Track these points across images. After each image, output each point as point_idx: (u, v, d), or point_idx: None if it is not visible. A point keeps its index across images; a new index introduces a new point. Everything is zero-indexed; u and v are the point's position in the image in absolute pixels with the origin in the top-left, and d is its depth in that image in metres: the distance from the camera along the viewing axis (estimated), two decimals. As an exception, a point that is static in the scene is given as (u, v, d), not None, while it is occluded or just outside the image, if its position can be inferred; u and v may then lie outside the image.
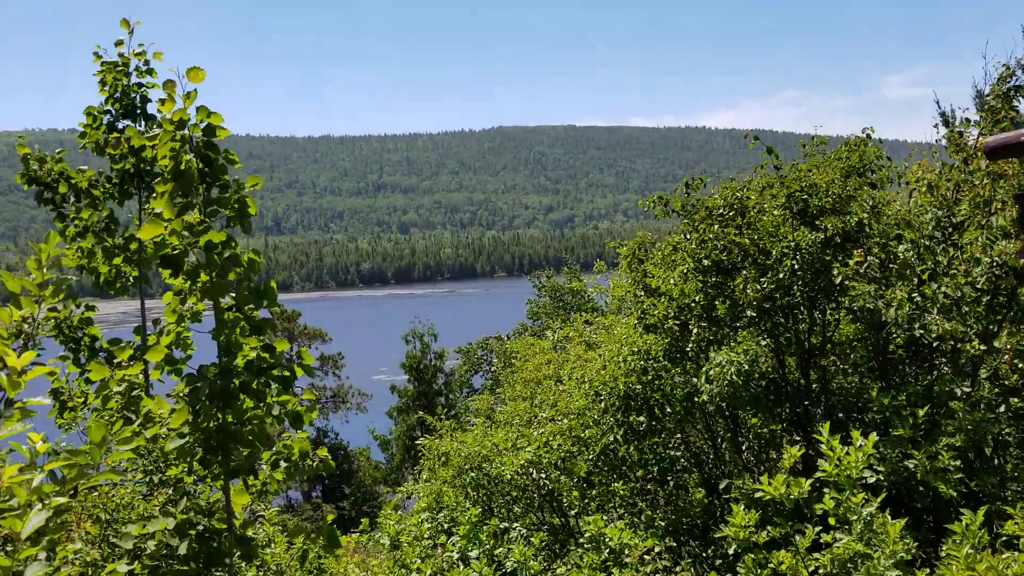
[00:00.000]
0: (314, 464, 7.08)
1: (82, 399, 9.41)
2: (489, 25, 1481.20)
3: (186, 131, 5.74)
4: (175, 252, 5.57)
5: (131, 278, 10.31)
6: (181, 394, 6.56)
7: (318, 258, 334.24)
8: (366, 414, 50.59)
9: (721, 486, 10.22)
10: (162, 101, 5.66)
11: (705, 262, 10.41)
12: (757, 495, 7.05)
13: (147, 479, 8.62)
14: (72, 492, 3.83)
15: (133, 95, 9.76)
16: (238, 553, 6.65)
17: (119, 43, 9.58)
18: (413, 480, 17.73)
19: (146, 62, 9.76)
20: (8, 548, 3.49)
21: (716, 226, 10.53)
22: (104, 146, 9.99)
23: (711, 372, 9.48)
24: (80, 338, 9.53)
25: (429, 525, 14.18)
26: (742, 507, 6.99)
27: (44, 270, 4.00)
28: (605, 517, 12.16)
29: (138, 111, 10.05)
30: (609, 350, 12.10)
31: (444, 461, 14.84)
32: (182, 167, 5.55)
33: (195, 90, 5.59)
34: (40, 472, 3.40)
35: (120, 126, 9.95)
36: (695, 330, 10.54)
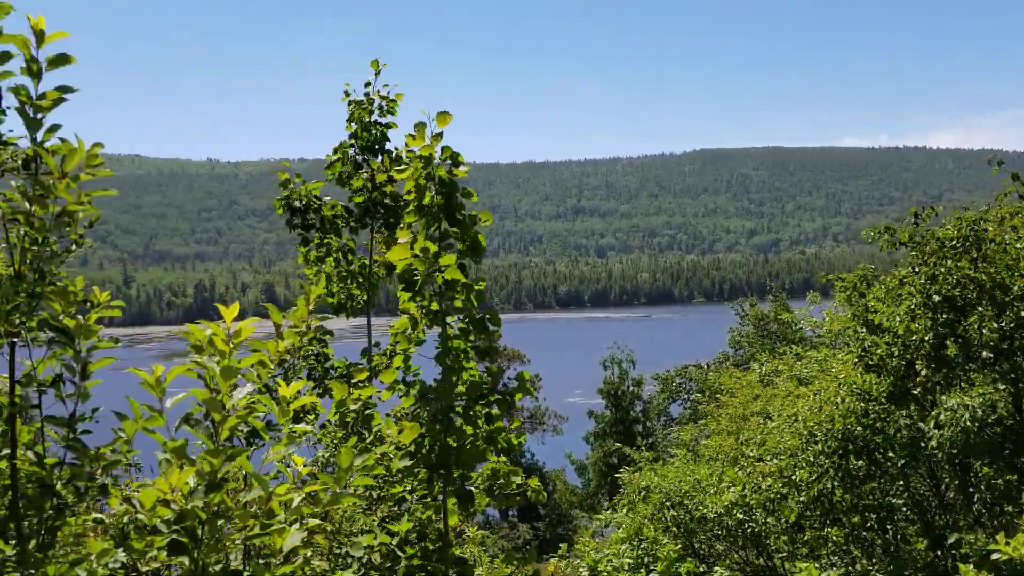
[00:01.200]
0: (527, 492, 7.24)
1: (313, 414, 10.13)
2: (692, 48, 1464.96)
3: (431, 168, 6.11)
4: (416, 275, 5.94)
5: (360, 301, 11.03)
6: (411, 413, 6.95)
7: (517, 280, 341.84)
8: (562, 436, 51.03)
9: (949, 541, 9.48)
10: (412, 137, 6.05)
11: (935, 298, 9.75)
12: (993, 555, 6.48)
13: (367, 494, 9.13)
14: (324, 514, 4.14)
15: (375, 132, 10.53)
16: (455, 571, 6.92)
17: (368, 84, 10.41)
18: (611, 509, 17.66)
19: (389, 102, 10.52)
20: (263, 562, 3.82)
21: (949, 260, 9.84)
22: (346, 178, 10.80)
23: (942, 417, 8.84)
24: (316, 356, 10.29)
25: (630, 560, 14.09)
26: (971, 567, 6.45)
27: (309, 307, 4.39)
28: (817, 565, 11.58)
29: (377, 147, 10.82)
30: (825, 389, 11.55)
31: (644, 496, 14.71)
32: (425, 200, 5.91)
33: (442, 132, 5.95)
34: (300, 493, 3.70)
35: (360, 160, 10.76)
36: (923, 371, 9.87)
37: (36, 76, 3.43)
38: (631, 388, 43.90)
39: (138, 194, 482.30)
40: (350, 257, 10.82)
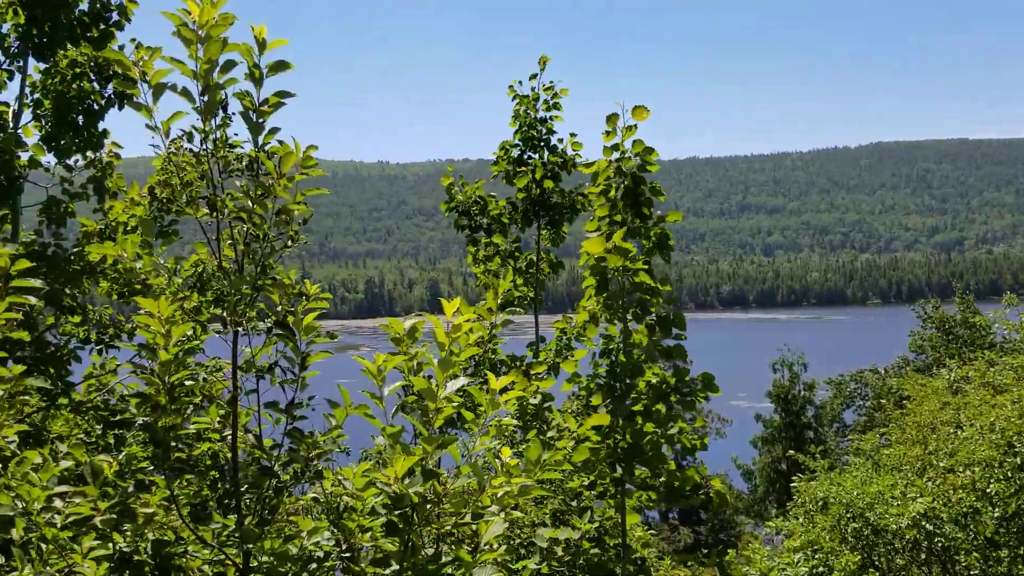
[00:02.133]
0: (708, 495, 7.10)
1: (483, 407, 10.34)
2: (866, 36, 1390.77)
3: (622, 162, 6.09)
4: (608, 272, 5.95)
5: (528, 298, 11.16)
6: (584, 410, 6.98)
7: (678, 279, 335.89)
8: (726, 439, 49.74)
9: None
10: (606, 133, 6.05)
11: None
12: None
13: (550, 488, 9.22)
14: (516, 505, 4.21)
15: (540, 128, 10.59)
16: (632, 569, 6.88)
17: (532, 77, 10.48)
18: (782, 517, 17.04)
19: (554, 96, 10.56)
20: (465, 547, 3.93)
21: None
22: (512, 176, 10.94)
23: None
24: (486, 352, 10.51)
25: (805, 569, 13.54)
26: None
27: (498, 301, 4.49)
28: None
29: (542, 143, 10.88)
30: (1028, 397, 10.67)
31: (822, 506, 14.10)
32: (610, 194, 5.91)
33: (635, 125, 5.92)
34: (508, 485, 3.77)
35: (525, 157, 10.86)
36: None
37: (258, 82, 3.66)
38: (802, 392, 42.20)
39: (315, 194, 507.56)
40: (516, 255, 10.96)
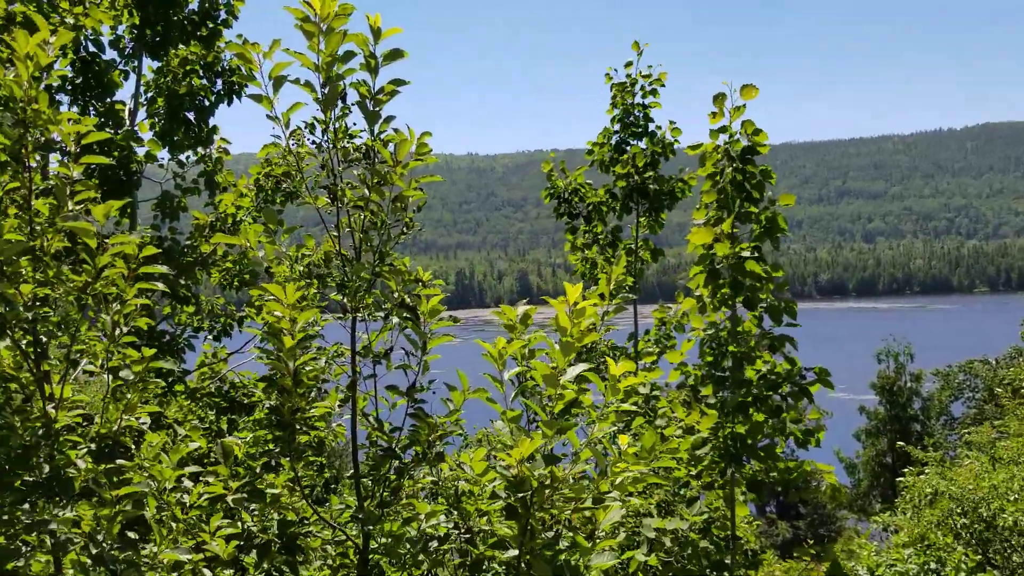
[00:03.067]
0: (822, 488, 6.90)
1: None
2: (973, 12, 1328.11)
3: (730, 144, 5.95)
4: (716, 261, 5.82)
5: (626, 287, 11.05)
6: (692, 399, 6.87)
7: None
8: (825, 432, 48.35)
9: None
10: (713, 114, 5.93)
11: None
12: None
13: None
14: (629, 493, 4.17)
15: (638, 114, 10.45)
16: (741, 564, 6.75)
17: (628, 64, 10.34)
18: (888, 511, 16.47)
19: (652, 82, 10.39)
20: (585, 534, 3.91)
21: None
22: (610, 164, 10.84)
23: None
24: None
25: (915, 566, 13.07)
26: None
27: (610, 288, 4.45)
28: None
29: (640, 130, 10.74)
30: None
31: (931, 501, 13.57)
32: (718, 179, 5.78)
33: (744, 105, 5.78)
34: (624, 473, 3.74)
35: (623, 144, 10.73)
36: None
37: (374, 71, 3.70)
38: (908, 384, 40.67)
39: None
40: (617, 241, 10.86)
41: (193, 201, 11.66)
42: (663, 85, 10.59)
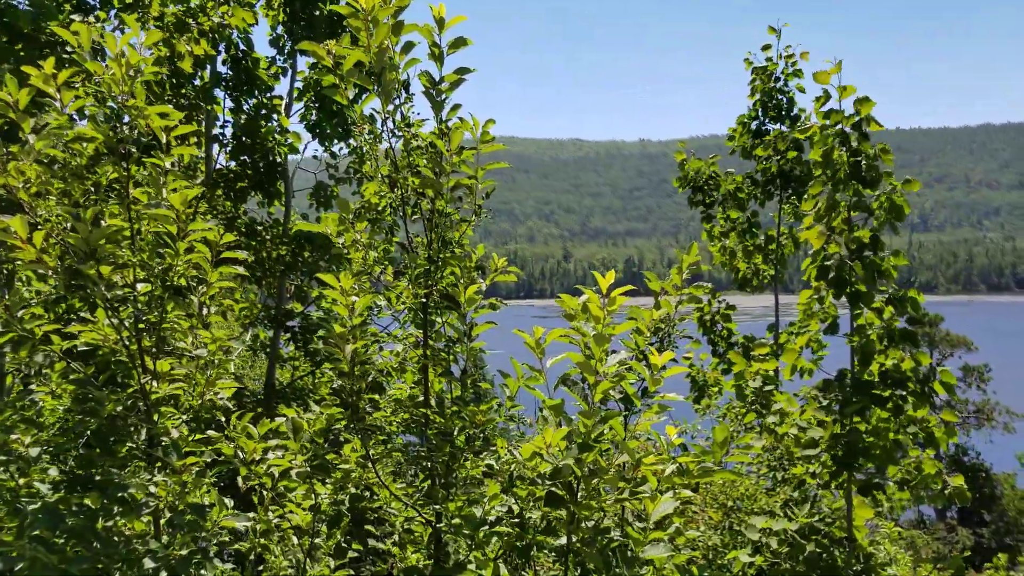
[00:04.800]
0: (945, 491, 6.44)
1: (717, 387, 10.05)
2: None
3: (839, 125, 5.64)
4: (828, 259, 5.55)
5: (768, 276, 10.66)
6: (812, 396, 6.58)
7: (967, 258, 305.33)
8: (1014, 435, 44.70)
9: None
10: (817, 99, 5.65)
11: None
12: None
13: (772, 474, 8.82)
14: (695, 486, 4.06)
15: (779, 97, 10.04)
16: (857, 568, 6.41)
17: (766, 47, 9.94)
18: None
19: (793, 63, 9.95)
20: (638, 526, 3.86)
21: None
22: (751, 149, 10.47)
23: None
24: (719, 331, 10.19)
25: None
26: None
27: (684, 275, 4.34)
28: None
29: (784, 113, 10.31)
30: None
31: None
32: (829, 161, 5.49)
33: (853, 86, 5.47)
34: (673, 463, 3.67)
35: (767, 129, 10.33)
36: None
37: (439, 60, 3.78)
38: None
39: (578, 175, 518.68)
40: (755, 231, 10.47)
41: (348, 191, 12.27)
42: (807, 61, 10.11)
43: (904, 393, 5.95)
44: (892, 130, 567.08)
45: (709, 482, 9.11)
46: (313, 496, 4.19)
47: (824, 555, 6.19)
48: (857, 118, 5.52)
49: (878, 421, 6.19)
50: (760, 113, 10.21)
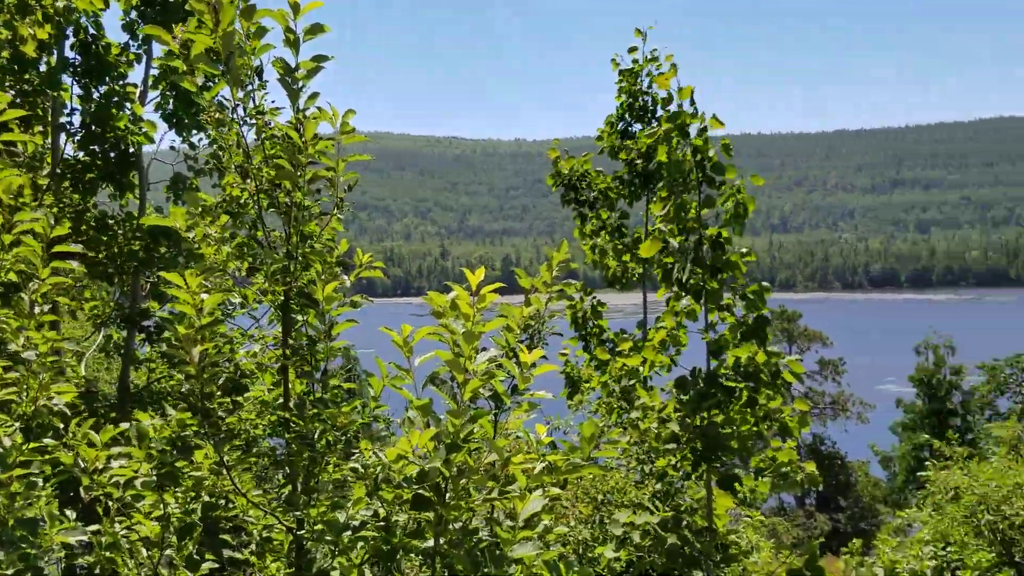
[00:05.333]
0: (798, 477, 6.71)
1: (589, 384, 10.18)
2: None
3: (683, 126, 5.78)
4: (666, 260, 5.66)
5: (636, 274, 10.89)
6: (671, 390, 6.72)
7: (824, 258, 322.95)
8: (867, 425, 47.60)
9: None
10: (662, 99, 5.77)
11: None
12: None
13: (640, 467, 8.99)
14: (564, 483, 4.06)
15: (644, 99, 10.25)
16: (717, 557, 6.59)
17: (632, 50, 10.12)
18: (916, 506, 16.10)
19: (658, 66, 10.16)
20: (507, 525, 3.82)
21: None
22: (618, 150, 10.66)
23: None
24: (591, 328, 10.33)
25: (932, 562, 12.73)
26: None
27: (554, 272, 4.33)
28: None
29: (648, 114, 10.53)
30: None
31: (953, 496, 13.18)
32: (670, 163, 5.62)
33: (690, 86, 5.61)
34: (542, 460, 3.64)
35: (633, 130, 10.54)
36: None
37: (294, 47, 3.62)
38: (948, 376, 39.71)
39: (455, 173, 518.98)
40: (624, 230, 10.67)
41: (206, 184, 11.77)
42: (670, 63, 10.33)
43: (757, 385, 6.16)
44: (754, 135, 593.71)
45: (580, 477, 9.21)
46: (162, 506, 3.95)
47: (685, 546, 6.34)
48: (702, 122, 5.68)
49: (734, 413, 6.40)
50: (627, 114, 10.38)
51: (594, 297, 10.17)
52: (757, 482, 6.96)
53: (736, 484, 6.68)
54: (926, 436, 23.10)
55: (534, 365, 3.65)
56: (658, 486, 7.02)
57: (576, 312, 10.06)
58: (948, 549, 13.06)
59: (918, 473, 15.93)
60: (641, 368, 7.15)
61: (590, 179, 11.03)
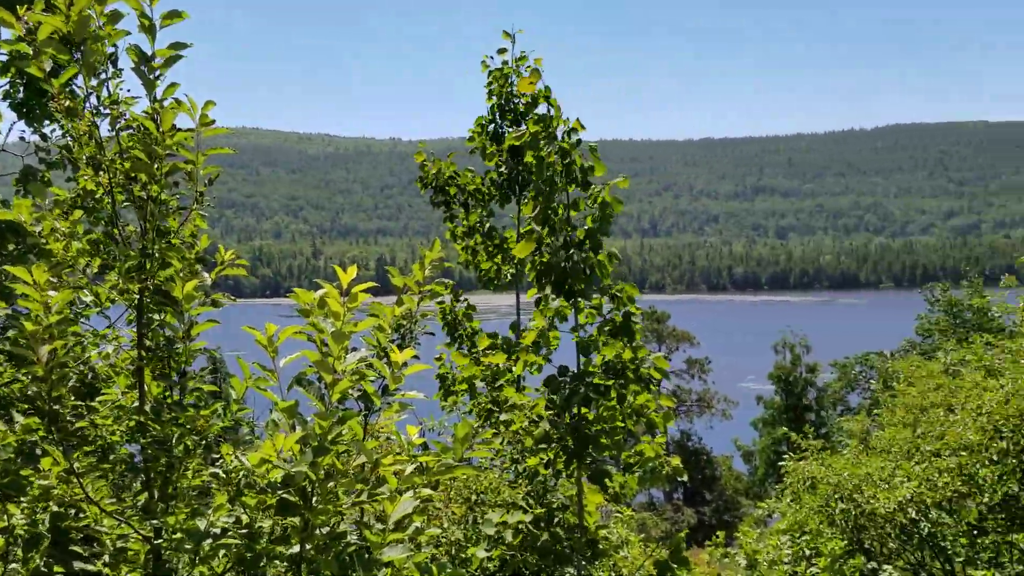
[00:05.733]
0: (665, 471, 6.92)
1: (464, 385, 10.17)
2: (885, 16, 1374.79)
3: (551, 131, 5.87)
4: (543, 263, 5.74)
5: (508, 275, 10.95)
6: (539, 388, 6.81)
7: (691, 261, 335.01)
8: (731, 421, 49.68)
9: None
10: (526, 105, 5.86)
11: None
12: None
13: (513, 467, 9.03)
14: (436, 484, 4.03)
15: (516, 100, 10.30)
16: (588, 553, 6.72)
17: (502, 51, 10.14)
18: (776, 497, 16.89)
19: (528, 68, 10.23)
20: (377, 527, 3.77)
21: None
22: (489, 152, 10.69)
23: None
24: (464, 329, 10.32)
25: (789, 550, 13.38)
26: None
27: (427, 271, 4.29)
28: (999, 573, 10.56)
29: (520, 116, 10.59)
30: (1015, 381, 10.42)
31: (810, 486, 13.90)
32: (538, 165, 5.70)
33: (547, 86, 5.73)
34: (413, 462, 3.60)
35: (503, 132, 10.57)
36: None
37: (150, 33, 3.46)
38: (803, 374, 41.94)
39: (328, 171, 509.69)
40: (494, 232, 10.72)
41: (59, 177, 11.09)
42: (540, 66, 10.45)
43: (624, 382, 6.32)
44: (625, 141, 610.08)
45: (453, 478, 9.18)
46: (6, 517, 3.69)
47: (557, 544, 6.43)
48: (567, 125, 5.81)
49: (604, 411, 6.54)
50: (497, 116, 10.40)
51: (465, 299, 10.17)
52: (626, 477, 7.14)
53: (607, 480, 6.83)
54: (784, 430, 24.26)
55: (405, 365, 3.62)
56: (530, 486, 7.09)
57: (447, 314, 10.03)
58: (804, 538, 13.73)
59: (778, 464, 16.70)
60: (513, 368, 7.21)
61: (459, 180, 11.02)
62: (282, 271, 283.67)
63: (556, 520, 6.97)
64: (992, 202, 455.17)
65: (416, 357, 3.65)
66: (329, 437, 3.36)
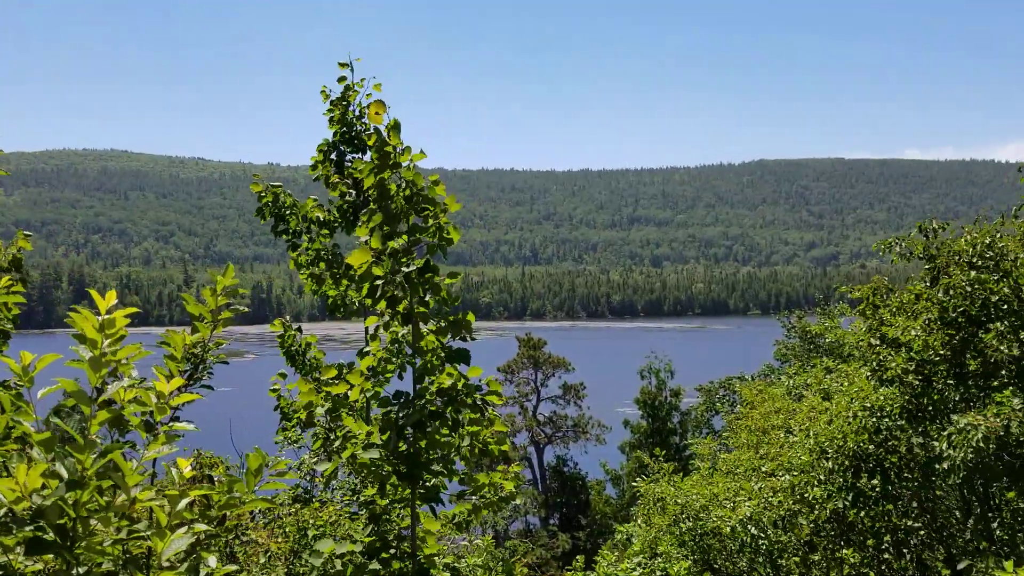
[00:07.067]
0: (493, 499, 6.97)
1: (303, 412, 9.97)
2: (750, 57, 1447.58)
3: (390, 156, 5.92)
4: (375, 278, 5.77)
5: (356, 302, 10.85)
6: (376, 417, 6.75)
7: (571, 288, 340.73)
8: (605, 446, 50.48)
9: (960, 566, 8.93)
10: (368, 135, 5.88)
11: (952, 313, 9.22)
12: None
13: (355, 497, 8.89)
14: (221, 519, 3.91)
15: (358, 128, 10.27)
16: (419, 583, 6.66)
17: (341, 79, 10.08)
18: (632, 520, 17.27)
19: (368, 95, 10.23)
20: (149, 565, 3.62)
21: (972, 272, 9.31)
22: (331, 181, 10.60)
23: (953, 437, 8.32)
24: (309, 360, 10.14)
25: (640, 572, 13.66)
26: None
27: (219, 298, 4.20)
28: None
29: (364, 144, 10.57)
30: (839, 403, 11.04)
31: (661, 507, 14.29)
32: (380, 194, 5.73)
33: (395, 119, 5.78)
34: (186, 497, 3.48)
35: (348, 160, 10.52)
36: (939, 386, 9.35)
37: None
38: (668, 398, 43.17)
39: (200, 196, 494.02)
40: (340, 259, 10.61)
41: None
42: (380, 92, 10.46)
43: (457, 406, 6.36)
44: (507, 170, 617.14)
45: (286, 512, 8.94)
46: None
47: (386, 573, 6.36)
48: (409, 155, 5.86)
49: (438, 436, 6.54)
50: (341, 144, 10.33)
51: (299, 327, 10.01)
52: (457, 504, 7.15)
53: (447, 512, 6.83)
54: (642, 453, 24.90)
55: (176, 393, 3.52)
56: (364, 512, 7.00)
57: (289, 345, 9.84)
58: (655, 560, 14.07)
59: (632, 484, 17.10)
60: (349, 394, 7.14)
61: (298, 210, 10.89)
62: (151, 299, 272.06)
63: (392, 550, 6.90)
64: (848, 234, 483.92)
65: (188, 387, 3.55)
66: (90, 471, 3.22)
